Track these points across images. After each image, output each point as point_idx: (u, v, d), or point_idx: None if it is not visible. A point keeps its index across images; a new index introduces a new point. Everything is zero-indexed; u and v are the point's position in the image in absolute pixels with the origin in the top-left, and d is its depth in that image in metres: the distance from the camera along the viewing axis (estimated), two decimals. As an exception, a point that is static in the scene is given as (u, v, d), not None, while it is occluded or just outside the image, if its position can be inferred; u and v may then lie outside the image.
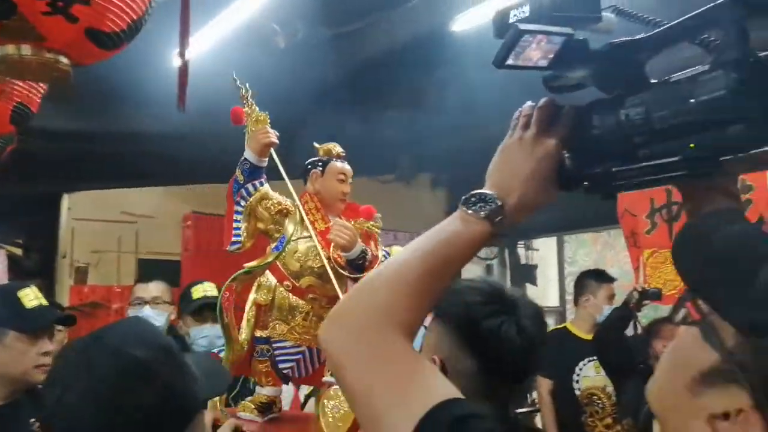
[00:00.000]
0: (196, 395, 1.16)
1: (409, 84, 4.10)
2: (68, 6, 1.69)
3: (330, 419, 2.10)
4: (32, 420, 1.86)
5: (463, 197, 0.91)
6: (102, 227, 5.75)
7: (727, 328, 0.60)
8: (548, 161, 0.90)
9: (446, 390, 0.81)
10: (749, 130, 0.72)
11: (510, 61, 0.84)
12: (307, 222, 2.24)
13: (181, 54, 1.93)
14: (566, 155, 0.91)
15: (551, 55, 0.85)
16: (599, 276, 3.94)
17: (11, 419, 1.92)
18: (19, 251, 5.89)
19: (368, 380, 0.82)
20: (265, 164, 2.25)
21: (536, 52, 0.84)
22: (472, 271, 6.44)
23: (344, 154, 2.39)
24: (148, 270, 5.13)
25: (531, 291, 6.57)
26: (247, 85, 2.34)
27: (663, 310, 4.13)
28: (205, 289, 3.02)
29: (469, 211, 0.89)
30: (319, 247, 2.22)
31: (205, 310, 2.93)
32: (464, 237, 0.89)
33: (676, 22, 0.81)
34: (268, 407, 2.25)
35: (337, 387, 2.05)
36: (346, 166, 2.36)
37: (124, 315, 3.34)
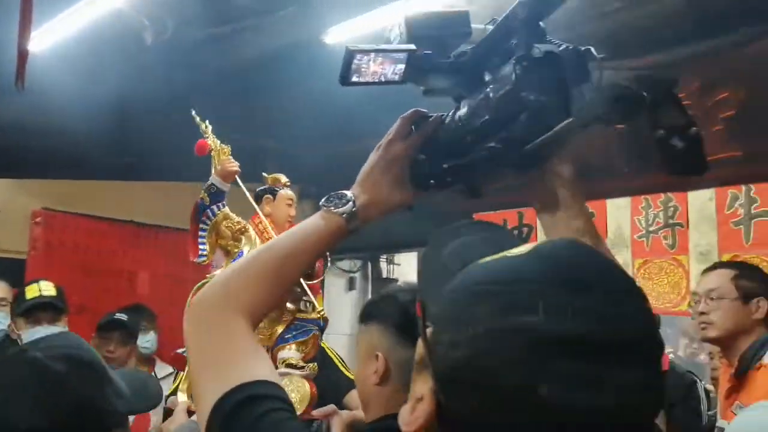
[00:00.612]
0: (117, 410, 1.23)
1: (279, 93, 4.08)
2: None
3: None
4: None
5: (325, 196, 1.01)
6: (-65, 220, 5.26)
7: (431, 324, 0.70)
8: (396, 164, 1.00)
9: (259, 372, 0.86)
10: (533, 119, 0.80)
11: (356, 79, 0.90)
12: (271, 232, 2.65)
13: (22, 24, 1.80)
14: (423, 158, 1.00)
15: (401, 70, 0.91)
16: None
17: None
18: None
19: (200, 358, 0.90)
20: (227, 188, 2.68)
21: (380, 68, 0.90)
22: (335, 284, 6.48)
23: (290, 183, 2.85)
24: (-13, 269, 4.74)
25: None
26: (207, 121, 2.75)
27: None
28: (40, 289, 2.74)
29: (329, 207, 0.99)
30: None
31: (39, 311, 2.67)
32: (320, 231, 0.99)
33: (494, 27, 0.89)
34: None
35: (289, 377, 2.42)
36: (291, 193, 2.82)
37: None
